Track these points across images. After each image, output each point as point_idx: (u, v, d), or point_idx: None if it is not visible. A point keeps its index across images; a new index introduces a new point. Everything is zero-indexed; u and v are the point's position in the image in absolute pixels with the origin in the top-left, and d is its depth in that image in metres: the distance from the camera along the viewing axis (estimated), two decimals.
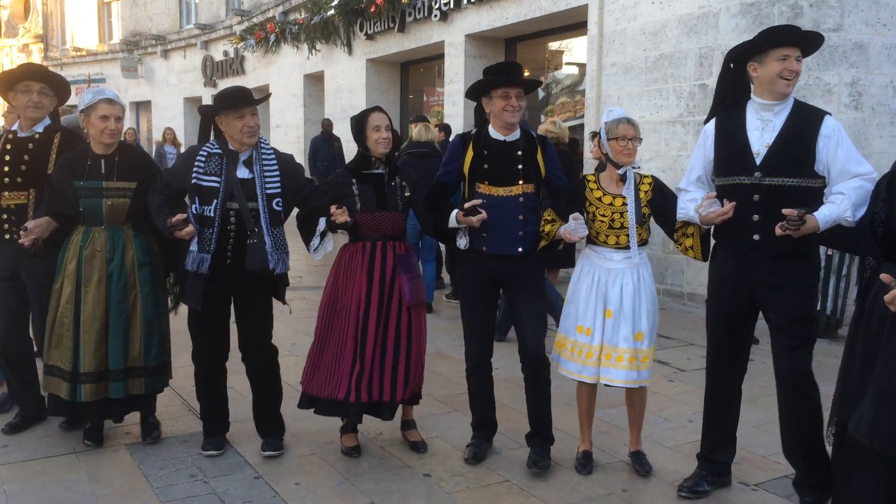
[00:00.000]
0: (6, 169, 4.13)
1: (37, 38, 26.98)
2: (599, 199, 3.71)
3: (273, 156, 3.85)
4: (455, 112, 11.50)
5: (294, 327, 6.28)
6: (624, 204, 3.65)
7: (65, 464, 3.93)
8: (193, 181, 3.72)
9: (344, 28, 13.83)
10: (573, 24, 10.05)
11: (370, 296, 3.83)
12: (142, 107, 23.52)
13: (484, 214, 3.61)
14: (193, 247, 3.67)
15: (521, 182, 3.73)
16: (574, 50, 11.02)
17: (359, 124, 3.93)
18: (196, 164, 3.73)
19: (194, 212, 3.69)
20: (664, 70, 8.23)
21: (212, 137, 3.92)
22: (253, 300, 3.90)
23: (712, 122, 3.56)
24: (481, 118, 3.88)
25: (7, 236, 4.13)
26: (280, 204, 3.78)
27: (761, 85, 3.38)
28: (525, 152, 3.75)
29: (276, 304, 4.03)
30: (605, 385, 3.73)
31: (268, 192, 3.76)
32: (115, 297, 3.87)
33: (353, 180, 3.92)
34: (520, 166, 3.73)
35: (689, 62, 7.97)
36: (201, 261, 3.69)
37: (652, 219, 3.77)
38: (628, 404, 3.86)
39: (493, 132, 3.78)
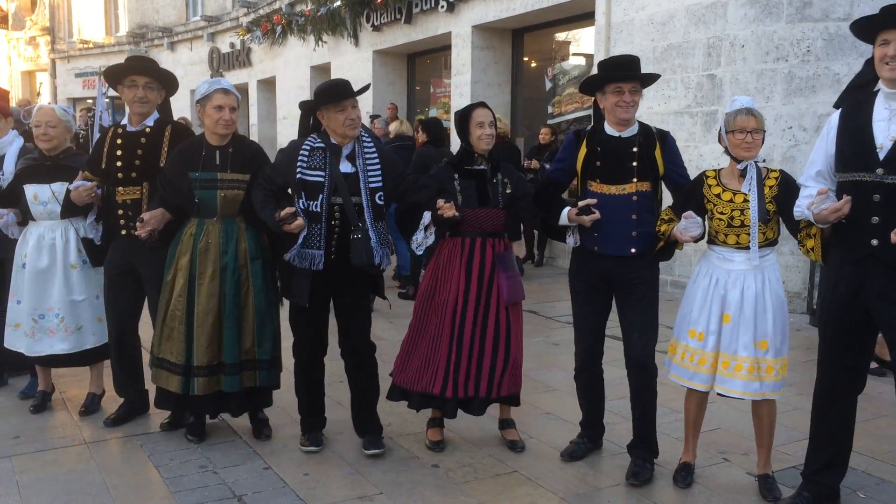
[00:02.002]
0: (119, 164, 4.08)
1: (44, 31, 27.01)
2: (718, 195, 3.46)
3: (374, 149, 3.80)
4: (462, 103, 11.42)
5: None
6: (745, 201, 3.38)
7: (76, 455, 3.96)
8: (299, 176, 3.67)
9: (350, 19, 13.81)
10: (581, 14, 10.01)
11: (468, 292, 3.78)
12: None
13: (597, 214, 3.51)
14: (303, 243, 3.62)
15: (634, 180, 3.57)
16: (581, 41, 10.98)
17: (462, 119, 3.87)
18: (300, 158, 3.68)
19: (301, 207, 3.63)
20: (672, 60, 8.19)
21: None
22: (354, 296, 3.84)
23: (838, 111, 3.24)
24: (597, 113, 3.76)
25: (123, 231, 4.09)
26: (382, 198, 3.73)
27: (880, 69, 3.04)
28: (641, 148, 3.59)
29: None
30: (720, 395, 3.50)
31: (371, 185, 3.70)
32: (229, 290, 3.83)
33: (456, 175, 3.85)
34: (634, 163, 3.57)
35: (697, 52, 7.94)
36: (314, 257, 3.63)
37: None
38: (754, 418, 3.58)
39: (608, 128, 3.64)
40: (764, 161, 3.51)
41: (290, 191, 3.77)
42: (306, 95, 16.16)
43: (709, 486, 3.60)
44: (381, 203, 3.74)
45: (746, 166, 3.41)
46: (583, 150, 3.66)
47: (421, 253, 3.89)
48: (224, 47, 19.48)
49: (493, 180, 3.87)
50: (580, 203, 3.58)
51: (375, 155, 3.78)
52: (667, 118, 8.20)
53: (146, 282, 4.14)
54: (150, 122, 4.15)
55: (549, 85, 11.17)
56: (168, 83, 4.25)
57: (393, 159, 3.91)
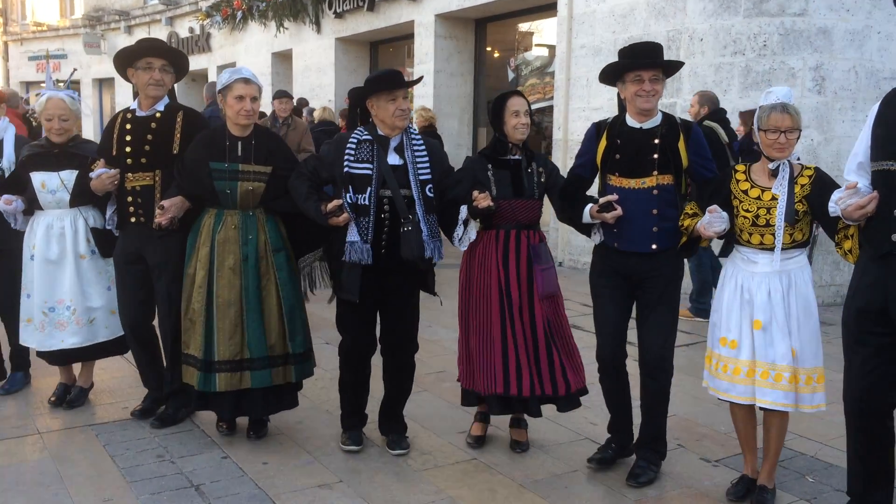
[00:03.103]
0: (128, 150, 3.94)
1: None
2: (746, 191, 3.26)
3: (422, 141, 3.72)
4: (425, 93, 11.45)
5: None
6: (773, 199, 3.18)
7: (29, 445, 3.89)
8: (345, 170, 3.58)
9: (312, 6, 13.67)
10: (543, 5, 10.05)
11: (509, 285, 3.67)
12: (105, 84, 23.05)
13: (619, 210, 3.38)
14: (352, 237, 3.53)
15: (655, 173, 3.41)
16: (544, 31, 11.02)
17: (496, 108, 3.75)
18: (346, 151, 3.59)
19: (349, 200, 3.55)
20: None
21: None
22: (403, 291, 3.73)
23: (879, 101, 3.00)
24: (621, 104, 3.62)
25: (133, 219, 3.97)
26: (432, 190, 3.64)
27: None
28: (663, 140, 3.43)
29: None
30: (762, 409, 3.28)
31: (420, 178, 3.62)
32: (251, 282, 3.72)
33: (489, 166, 3.75)
34: (655, 156, 3.42)
35: None
36: (364, 251, 3.54)
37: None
38: (763, 428, 3.38)
39: (629, 119, 3.50)
40: (798, 158, 3.29)
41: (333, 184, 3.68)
42: (268, 82, 15.98)
43: (665, 472, 3.66)
44: (432, 195, 3.64)
45: (779, 165, 3.20)
46: (602, 143, 3.53)
47: (464, 249, 3.74)
48: (183, 32, 19.14)
49: (528, 170, 3.76)
50: (601, 200, 3.46)
51: (423, 147, 3.69)
52: None
53: (153, 270, 4.01)
54: (160, 106, 4.00)
55: (511, 75, 11.21)
56: (180, 67, 4.10)
57: (440, 152, 3.82)
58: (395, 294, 3.72)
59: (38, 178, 4.13)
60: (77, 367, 4.52)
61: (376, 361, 3.84)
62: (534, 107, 10.98)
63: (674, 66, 3.58)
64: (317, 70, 14.21)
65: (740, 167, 3.36)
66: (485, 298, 3.71)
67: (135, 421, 4.19)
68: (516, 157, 3.77)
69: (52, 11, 24.41)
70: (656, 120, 3.49)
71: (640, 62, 3.41)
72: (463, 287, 3.82)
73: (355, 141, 3.63)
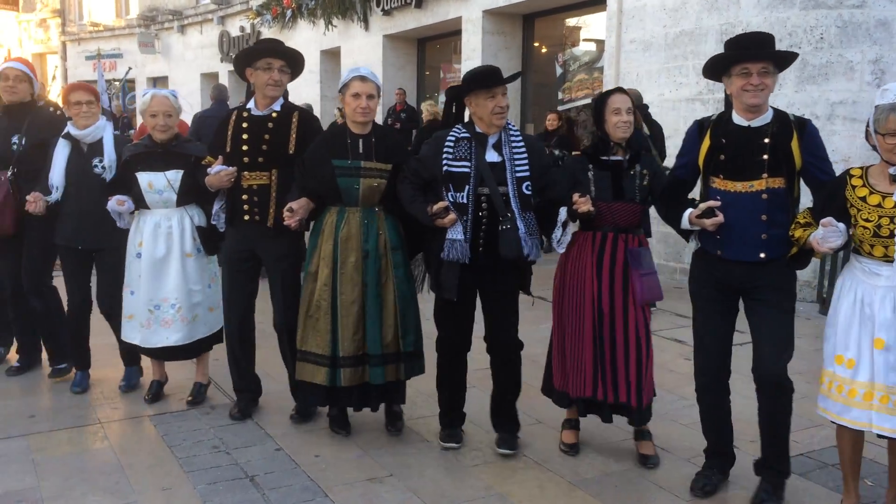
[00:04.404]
0: (245, 148, 3.98)
1: (54, 13, 27.03)
2: (864, 198, 2.96)
3: (521, 138, 3.68)
4: None
5: None
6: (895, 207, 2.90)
7: (91, 434, 4.02)
8: (444, 169, 3.57)
9: (361, 3, 13.76)
10: None
11: (601, 290, 3.57)
12: (159, 82, 23.55)
13: (720, 217, 3.16)
14: (453, 234, 3.52)
15: (765, 175, 3.16)
16: (592, 26, 10.92)
17: (598, 107, 3.65)
18: (445, 150, 3.59)
19: (449, 199, 3.55)
20: (684, 47, 8.15)
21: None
22: (501, 289, 3.71)
23: None
24: (728, 100, 3.42)
25: (247, 217, 4.00)
26: (529, 188, 3.60)
27: None
28: (774, 139, 3.16)
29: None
30: (880, 436, 3.02)
31: (517, 175, 3.58)
32: (371, 280, 3.74)
33: (590, 166, 3.64)
34: (765, 156, 3.15)
35: (709, 39, 7.89)
36: (464, 250, 3.52)
37: None
38: (889, 453, 3.20)
39: (735, 116, 3.25)
40: None
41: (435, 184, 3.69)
42: (316, 79, 16.17)
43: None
44: (529, 193, 3.59)
45: None
46: (706, 143, 3.30)
47: (562, 251, 3.68)
48: (234, 31, 19.44)
49: (631, 172, 3.61)
50: (701, 205, 3.24)
51: (522, 144, 3.65)
52: (678, 105, 8.17)
53: (268, 269, 4.08)
54: (276, 106, 4.04)
55: (559, 71, 11.13)
56: (296, 68, 4.13)
57: (540, 149, 3.78)
58: (494, 292, 3.71)
59: (144, 179, 4.18)
60: (170, 364, 4.60)
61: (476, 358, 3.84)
62: (582, 103, 10.90)
63: (787, 58, 3.24)
64: (364, 67, 14.29)
65: (855, 171, 3.05)
66: (578, 301, 3.64)
67: (191, 412, 4.29)
68: (617, 157, 3.63)
69: (108, 12, 25.02)
70: (766, 117, 3.21)
71: (747, 53, 3.15)
72: (557, 288, 3.75)
73: (453, 139, 3.62)
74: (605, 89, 9.23)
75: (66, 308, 4.64)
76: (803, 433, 4.01)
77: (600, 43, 10.15)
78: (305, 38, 16.25)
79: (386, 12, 13.24)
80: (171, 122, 4.21)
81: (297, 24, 16.31)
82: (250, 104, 4.08)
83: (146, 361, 4.65)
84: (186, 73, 21.84)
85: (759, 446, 3.39)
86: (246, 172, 3.98)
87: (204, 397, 4.46)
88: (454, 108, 3.76)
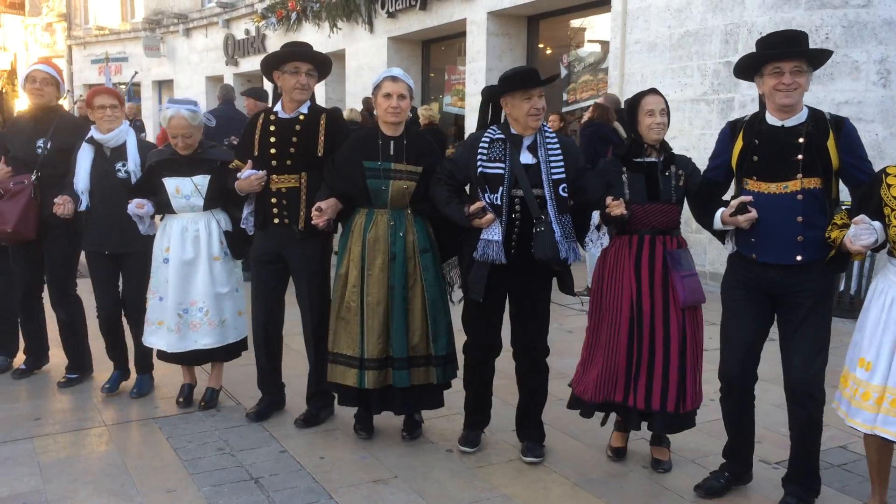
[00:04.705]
0: (273, 151, 3.97)
1: (60, 17, 27.14)
2: None
3: (556, 139, 3.64)
4: (477, 91, 11.43)
5: None
6: None
7: (96, 437, 4.03)
8: (479, 170, 3.55)
9: (365, 6, 13.78)
10: (596, 0, 9.95)
11: (640, 294, 3.49)
12: (164, 86, 23.63)
13: (753, 213, 3.12)
14: (489, 235, 3.48)
15: (800, 176, 3.09)
16: (597, 27, 10.91)
17: (631, 108, 3.58)
18: (479, 151, 3.57)
19: (486, 201, 3.52)
20: (689, 48, 8.14)
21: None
22: (533, 293, 3.67)
23: None
24: (761, 100, 3.37)
25: (276, 220, 3.99)
26: (566, 190, 3.56)
27: None
28: (809, 138, 3.10)
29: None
30: (886, 440, 2.99)
31: (553, 177, 3.54)
32: (398, 282, 3.72)
33: (624, 169, 3.58)
34: (799, 157, 3.09)
35: (714, 39, 7.88)
36: (499, 251, 3.48)
37: None
38: (883, 455, 3.15)
39: (769, 116, 3.19)
40: None
41: (466, 187, 3.66)
42: (321, 82, 16.16)
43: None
44: (565, 195, 3.55)
45: None
46: (738, 144, 3.24)
47: (597, 254, 3.66)
48: (239, 34, 19.49)
49: (666, 173, 3.55)
50: (733, 202, 3.18)
51: (558, 145, 3.61)
52: (683, 105, 8.16)
53: (295, 272, 4.06)
54: (304, 109, 4.03)
55: (564, 72, 11.12)
56: (322, 71, 4.12)
57: (576, 151, 3.73)
58: (525, 295, 3.67)
59: (171, 184, 4.18)
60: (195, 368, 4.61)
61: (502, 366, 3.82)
62: (587, 103, 10.90)
63: (821, 56, 3.18)
64: (369, 69, 14.31)
65: (892, 169, 2.97)
66: (615, 306, 3.56)
67: (196, 415, 4.30)
68: (651, 159, 3.58)
69: (113, 15, 25.10)
70: (801, 116, 3.15)
71: (779, 52, 3.08)
72: (594, 292, 3.69)
73: (488, 140, 3.59)
74: (609, 90, 9.27)
75: (97, 314, 4.60)
76: None
77: (605, 44, 10.14)
78: (310, 40, 16.18)
79: (390, 14, 13.25)
80: (190, 141, 4.19)
81: (302, 26, 16.33)
82: (277, 107, 4.08)
83: (166, 367, 4.65)
84: (192, 76, 21.89)
85: (790, 462, 3.31)
86: (275, 176, 3.97)
87: (216, 402, 4.45)
88: (490, 108, 3.71)
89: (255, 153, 4.01)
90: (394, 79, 3.76)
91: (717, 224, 3.27)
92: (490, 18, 11.29)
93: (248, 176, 3.95)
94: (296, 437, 4.01)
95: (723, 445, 3.54)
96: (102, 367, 4.83)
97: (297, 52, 4.04)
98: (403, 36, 13.49)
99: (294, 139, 3.98)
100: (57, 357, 4.99)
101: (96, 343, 4.81)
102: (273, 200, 3.99)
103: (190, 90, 21.84)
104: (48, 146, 4.52)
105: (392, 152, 3.76)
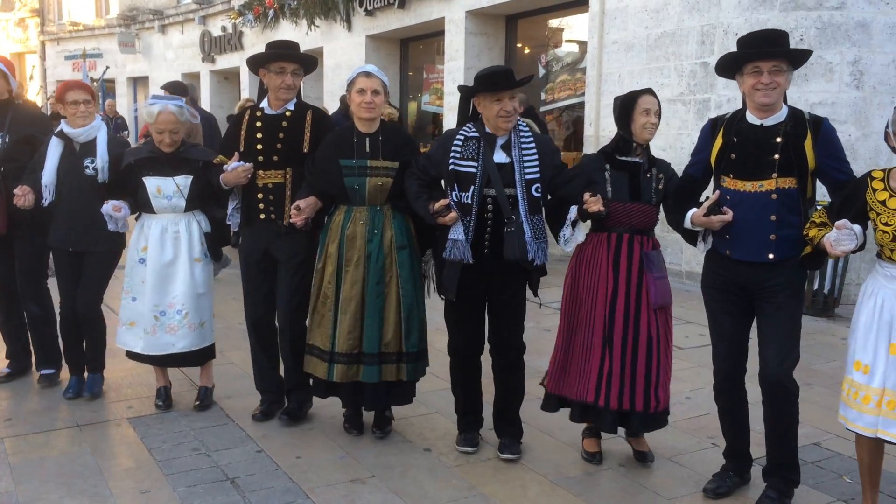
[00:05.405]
0: (259, 147, 3.98)
1: (33, 12, 26.75)
2: (884, 202, 2.92)
3: (531, 139, 3.62)
4: (455, 90, 11.42)
5: None
6: None
7: (68, 437, 3.97)
8: (451, 167, 3.54)
9: (343, 3, 13.72)
10: (574, 0, 9.99)
11: (616, 293, 3.51)
12: (139, 82, 23.38)
13: (728, 216, 3.16)
14: (454, 234, 3.49)
15: (774, 175, 3.12)
16: (575, 27, 10.95)
17: (626, 106, 3.55)
18: (453, 149, 3.56)
19: (453, 199, 3.52)
20: (665, 48, 8.19)
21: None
22: (507, 292, 3.67)
23: None
24: (744, 98, 3.34)
25: (262, 216, 3.99)
26: (539, 190, 3.55)
27: None
28: (786, 138, 3.12)
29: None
30: (887, 442, 3.00)
31: (527, 177, 3.53)
32: (372, 278, 3.73)
33: (607, 166, 3.58)
34: (776, 156, 3.11)
35: (690, 40, 7.94)
36: (465, 250, 3.48)
37: None
38: (873, 455, 3.13)
39: (749, 115, 3.21)
40: None
41: (442, 182, 3.66)
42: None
43: (698, 471, 3.63)
44: (538, 195, 3.55)
45: None
46: (718, 142, 3.26)
47: (570, 251, 3.63)
48: (216, 31, 19.33)
49: (648, 174, 3.58)
50: (704, 202, 3.22)
51: (532, 144, 3.59)
52: None
53: (280, 266, 4.05)
54: (290, 105, 4.04)
55: (542, 72, 11.15)
56: (310, 69, 4.11)
57: (551, 149, 3.71)
58: (500, 294, 3.67)
59: (152, 184, 4.11)
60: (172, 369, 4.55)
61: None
62: (565, 103, 10.93)
63: (801, 56, 3.21)
64: (347, 67, 14.24)
65: (877, 173, 3.00)
66: (590, 303, 3.58)
67: (171, 414, 4.25)
68: (637, 159, 3.58)
69: (87, 11, 24.79)
70: (780, 116, 3.17)
71: (759, 52, 3.11)
72: (569, 289, 3.69)
73: (462, 138, 3.59)
74: (587, 90, 9.32)
75: (59, 312, 4.53)
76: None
77: (583, 44, 10.17)
78: (288, 38, 16.16)
79: (369, 13, 13.21)
80: (177, 137, 4.14)
81: (280, 24, 16.23)
82: (263, 103, 4.08)
83: (139, 366, 4.59)
84: (167, 72, 21.65)
85: (767, 456, 3.33)
86: (261, 171, 3.97)
87: (211, 401, 4.40)
88: (470, 106, 3.70)
89: (242, 149, 4.00)
90: (367, 74, 3.76)
91: (688, 223, 3.31)
92: (468, 17, 11.29)
93: (234, 168, 3.93)
94: (272, 437, 3.98)
95: (698, 443, 3.58)
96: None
97: (282, 54, 4.03)
98: (382, 34, 13.45)
99: (280, 135, 3.99)
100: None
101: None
102: (259, 196, 3.99)
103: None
104: (6, 139, 4.45)
105: (368, 149, 3.76)
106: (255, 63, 4.04)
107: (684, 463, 3.70)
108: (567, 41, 11.32)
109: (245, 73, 18.29)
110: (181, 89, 7.95)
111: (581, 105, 9.84)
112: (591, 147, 9.08)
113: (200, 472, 3.58)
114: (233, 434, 4.01)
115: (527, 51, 12.04)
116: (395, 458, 3.76)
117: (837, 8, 7.07)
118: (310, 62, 4.13)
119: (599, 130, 9.02)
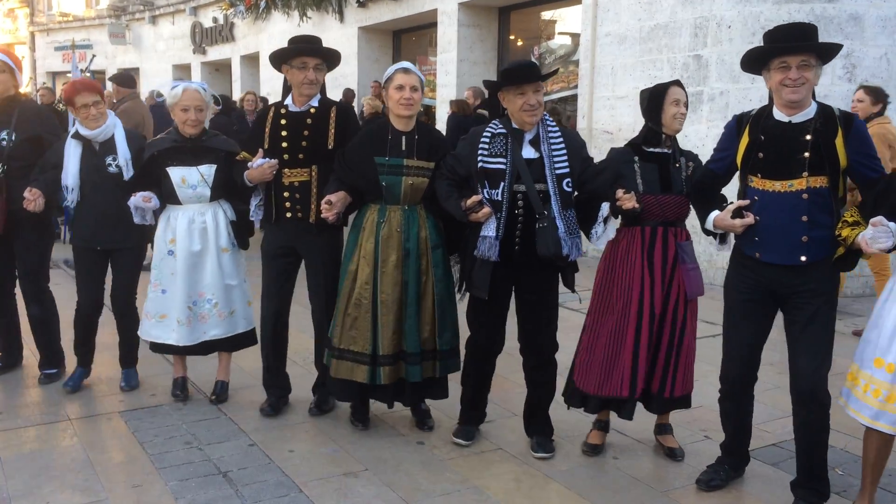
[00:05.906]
0: (284, 145, 3.93)
1: (22, 3, 26.55)
2: None
3: (559, 133, 3.58)
4: (448, 81, 11.41)
5: None
6: None
7: (59, 431, 3.95)
8: (479, 165, 3.50)
9: None
10: None
11: (653, 287, 3.49)
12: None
13: (751, 219, 3.08)
14: (486, 231, 3.45)
15: (805, 174, 2.99)
16: (568, 19, 10.94)
17: (656, 97, 3.52)
18: (480, 146, 3.52)
19: (485, 196, 3.47)
20: (658, 40, 8.18)
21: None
22: (539, 289, 3.62)
23: None
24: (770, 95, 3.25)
25: (288, 214, 3.95)
26: (570, 185, 3.50)
27: None
28: (816, 136, 3.00)
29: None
30: (886, 435, 2.98)
31: (557, 172, 3.48)
32: (412, 278, 3.70)
33: (636, 158, 3.55)
34: (805, 154, 2.99)
35: (683, 32, 7.93)
36: (494, 248, 3.44)
37: None
38: (879, 449, 3.08)
39: (776, 112, 3.09)
40: None
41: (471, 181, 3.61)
42: None
43: (691, 464, 3.64)
44: (570, 190, 3.50)
45: None
46: (744, 140, 3.14)
47: (601, 247, 3.60)
48: (207, 22, 19.24)
49: (676, 164, 3.55)
50: (729, 206, 3.14)
51: (561, 139, 3.56)
52: None
53: (309, 266, 4.03)
54: (314, 102, 4.00)
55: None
56: (332, 64, 4.08)
57: (578, 142, 3.67)
58: (531, 291, 3.63)
59: (177, 174, 4.09)
60: (191, 361, 4.54)
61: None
62: (557, 96, 10.92)
63: (830, 50, 3.07)
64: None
65: None
66: (624, 298, 3.54)
67: (163, 408, 4.24)
68: (666, 150, 3.56)
69: (77, 2, 24.62)
70: (809, 112, 3.04)
71: (786, 46, 2.99)
72: (600, 284, 3.66)
73: (489, 135, 3.55)
74: (580, 83, 9.30)
75: (76, 307, 4.47)
76: (774, 423, 4.06)
77: (576, 36, 10.17)
78: (280, 29, 16.10)
79: (361, 4, 13.15)
80: (202, 116, 4.11)
81: (272, 15, 16.15)
82: (287, 101, 4.03)
83: (157, 360, 4.58)
84: (158, 64, 21.56)
85: (798, 467, 3.24)
86: (286, 169, 3.93)
87: (227, 395, 4.38)
88: (499, 102, 3.64)
89: (266, 147, 3.96)
90: (406, 70, 3.71)
91: (709, 225, 3.25)
92: (461, 9, 11.26)
93: (259, 165, 3.90)
94: (265, 430, 3.97)
95: (691, 436, 3.59)
96: (70, 361, 4.74)
97: (305, 48, 3.99)
98: (374, 26, 13.40)
99: (305, 132, 3.95)
100: (27, 352, 4.88)
101: (65, 336, 4.69)
102: (286, 195, 3.95)
103: (156, 78, 21.50)
104: (13, 137, 4.36)
105: (404, 148, 3.72)
106: (278, 59, 4.00)
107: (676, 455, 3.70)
108: (560, 33, 11.31)
109: (237, 65, 18.22)
110: (129, 81, 8.11)
111: (574, 98, 9.83)
112: (584, 139, 9.07)
113: (193, 465, 3.56)
114: (225, 428, 3.99)
115: (520, 43, 12.02)
116: (388, 451, 3.76)
117: (830, 1, 7.07)
118: (333, 56, 4.09)
119: (592, 123, 9.01)
